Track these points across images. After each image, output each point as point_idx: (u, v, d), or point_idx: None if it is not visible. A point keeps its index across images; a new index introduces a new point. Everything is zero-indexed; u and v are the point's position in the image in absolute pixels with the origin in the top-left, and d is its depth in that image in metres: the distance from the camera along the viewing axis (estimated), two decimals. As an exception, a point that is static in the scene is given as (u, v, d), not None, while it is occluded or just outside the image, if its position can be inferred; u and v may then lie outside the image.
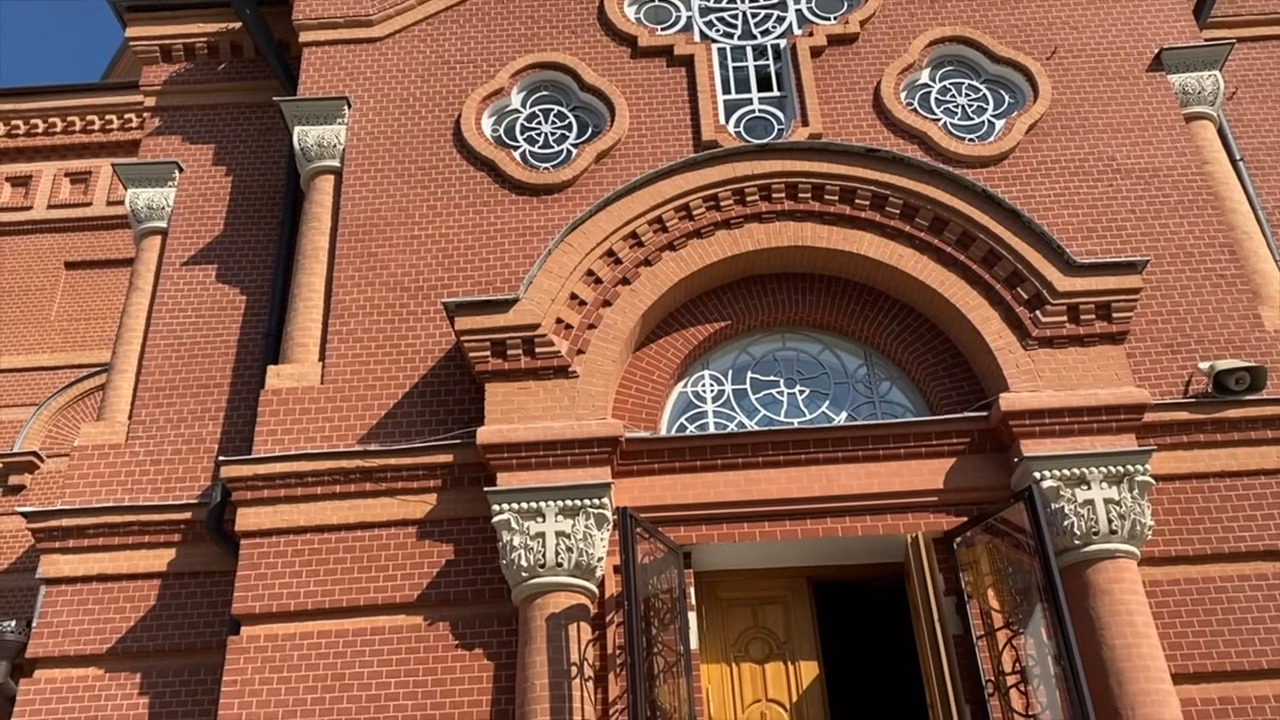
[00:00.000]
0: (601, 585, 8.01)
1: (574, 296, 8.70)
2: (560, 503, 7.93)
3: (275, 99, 10.58)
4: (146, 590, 8.85)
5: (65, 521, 8.95)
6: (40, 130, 17.50)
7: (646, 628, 7.49)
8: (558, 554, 7.76)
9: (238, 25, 11.59)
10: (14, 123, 17.47)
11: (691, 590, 8.24)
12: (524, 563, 7.75)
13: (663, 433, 8.86)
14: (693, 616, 8.14)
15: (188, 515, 8.98)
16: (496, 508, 7.96)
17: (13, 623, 8.91)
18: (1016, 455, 8.20)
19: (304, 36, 10.93)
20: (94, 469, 9.36)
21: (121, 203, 16.47)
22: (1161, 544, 8.21)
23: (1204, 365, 8.81)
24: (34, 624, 8.74)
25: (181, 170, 10.98)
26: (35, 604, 8.91)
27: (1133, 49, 10.68)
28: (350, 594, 8.15)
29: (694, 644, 8.03)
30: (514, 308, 8.53)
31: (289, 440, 8.77)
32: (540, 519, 7.89)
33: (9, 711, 8.59)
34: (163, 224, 10.71)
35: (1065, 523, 7.84)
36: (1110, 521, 7.82)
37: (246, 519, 8.45)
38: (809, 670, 8.39)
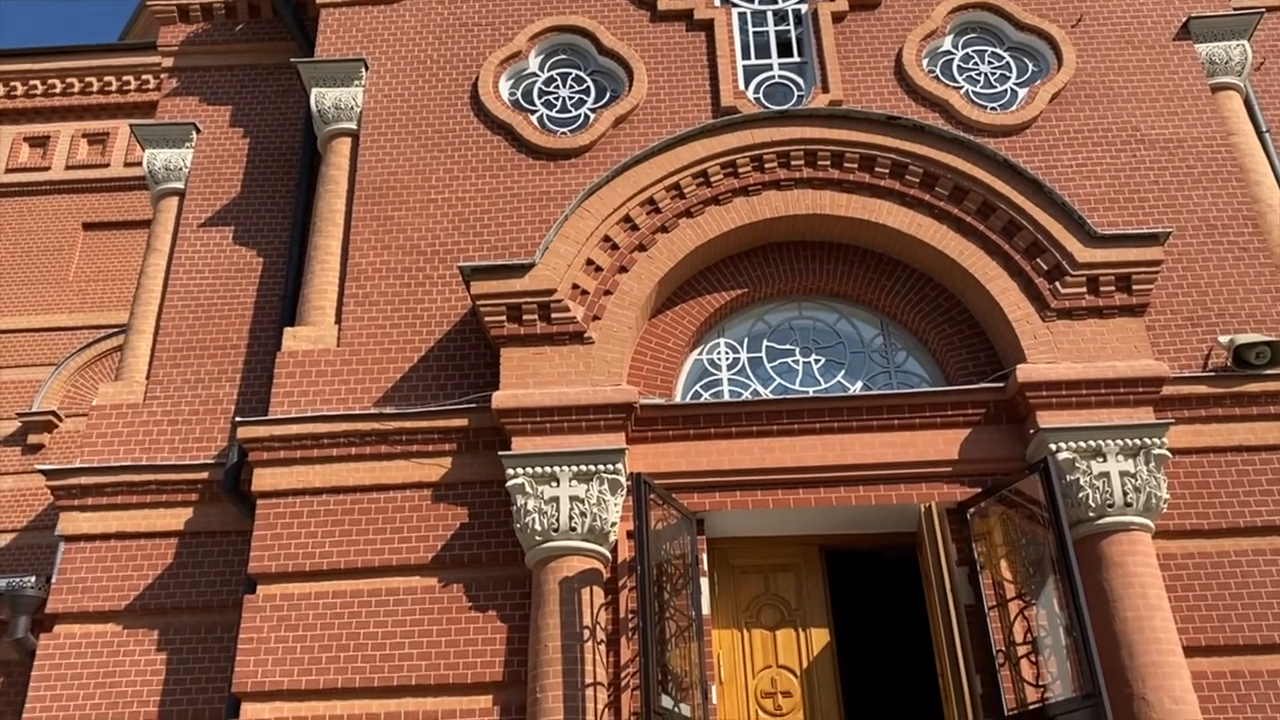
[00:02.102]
0: (614, 550, 8.04)
1: (590, 262, 8.68)
2: (574, 468, 7.96)
3: (293, 60, 10.55)
4: (164, 548, 8.94)
5: (84, 480, 9.03)
6: (58, 91, 17.49)
7: (659, 593, 7.53)
8: (571, 518, 7.79)
9: (255, -15, 11.54)
10: (32, 83, 17.46)
11: (704, 556, 8.27)
12: (538, 526, 7.79)
13: (677, 400, 8.86)
14: (705, 582, 8.17)
15: (205, 475, 9.05)
16: (511, 472, 7.99)
17: (32, 579, 9.01)
18: (1032, 427, 8.18)
19: (321, -3, 10.87)
20: (112, 428, 9.43)
21: (139, 164, 16.46)
22: (1176, 517, 8.19)
23: (1224, 339, 8.74)
24: (53, 580, 8.85)
25: (199, 131, 10.97)
26: (54, 561, 9.00)
27: (1159, 17, 10.52)
28: (365, 555, 8.21)
29: (706, 609, 8.07)
30: (530, 273, 8.51)
31: (305, 402, 8.81)
32: (554, 483, 7.92)
33: (29, 665, 8.71)
34: (180, 185, 10.72)
35: (1080, 495, 7.82)
36: (1125, 494, 7.79)
37: (263, 479, 8.51)
38: (820, 637, 8.43)
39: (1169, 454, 7.99)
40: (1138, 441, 7.94)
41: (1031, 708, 7.54)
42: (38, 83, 17.45)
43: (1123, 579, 7.61)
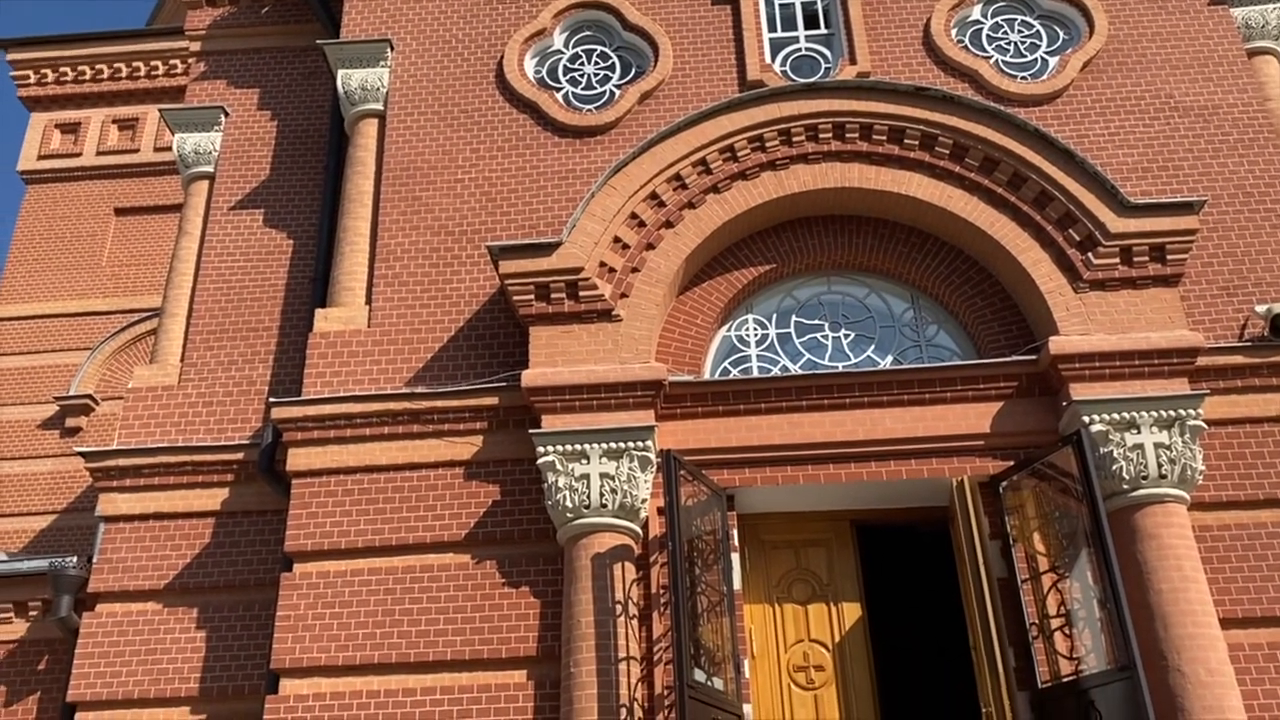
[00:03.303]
0: (645, 526, 8.08)
1: (617, 240, 8.67)
2: (604, 445, 7.99)
3: (318, 42, 10.57)
4: (201, 528, 9.08)
5: (122, 461, 9.17)
6: (88, 77, 17.65)
7: (690, 568, 7.56)
8: (602, 495, 7.83)
9: (280, -32, 11.56)
10: (62, 70, 17.63)
11: (735, 532, 8.29)
12: (569, 503, 7.83)
13: (706, 376, 8.86)
14: (736, 558, 8.20)
15: (240, 455, 9.16)
16: (541, 449, 8.03)
17: (74, 559, 9.17)
18: (1065, 399, 8.11)
19: (346, -22, 10.87)
20: (148, 410, 9.56)
21: (169, 148, 16.62)
22: (1212, 489, 8.11)
23: (1260, 308, 8.62)
24: (94, 560, 9.01)
25: (227, 115, 11.03)
26: (95, 541, 9.17)
27: (1194, -19, 10.32)
28: (399, 533, 8.30)
29: (737, 584, 8.10)
30: (557, 251, 8.52)
31: (337, 382, 8.89)
32: (585, 461, 7.95)
33: (73, 643, 8.89)
34: (210, 169, 10.79)
35: (1114, 467, 7.76)
36: (1160, 466, 7.73)
37: (297, 459, 8.61)
38: (852, 612, 8.44)
39: (1204, 425, 7.90)
40: (1172, 413, 7.86)
41: (1066, 680, 7.52)
42: (68, 69, 17.61)
43: (1157, 551, 7.56)
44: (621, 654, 7.45)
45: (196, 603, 8.83)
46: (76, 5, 45.27)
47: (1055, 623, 7.71)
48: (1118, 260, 8.42)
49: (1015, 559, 8.02)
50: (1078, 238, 8.51)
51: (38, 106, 17.71)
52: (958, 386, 8.37)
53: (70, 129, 17.66)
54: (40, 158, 17.44)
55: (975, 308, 8.92)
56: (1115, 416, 7.89)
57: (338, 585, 8.20)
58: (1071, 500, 7.72)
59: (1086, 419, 7.90)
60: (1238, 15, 10.14)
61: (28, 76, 17.59)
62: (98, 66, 17.63)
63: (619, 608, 7.59)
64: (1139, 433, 7.84)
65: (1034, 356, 8.37)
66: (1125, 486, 7.73)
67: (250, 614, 8.75)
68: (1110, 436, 7.84)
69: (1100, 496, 7.46)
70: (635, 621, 7.70)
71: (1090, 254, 8.45)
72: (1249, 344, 8.48)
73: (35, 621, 9.27)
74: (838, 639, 8.34)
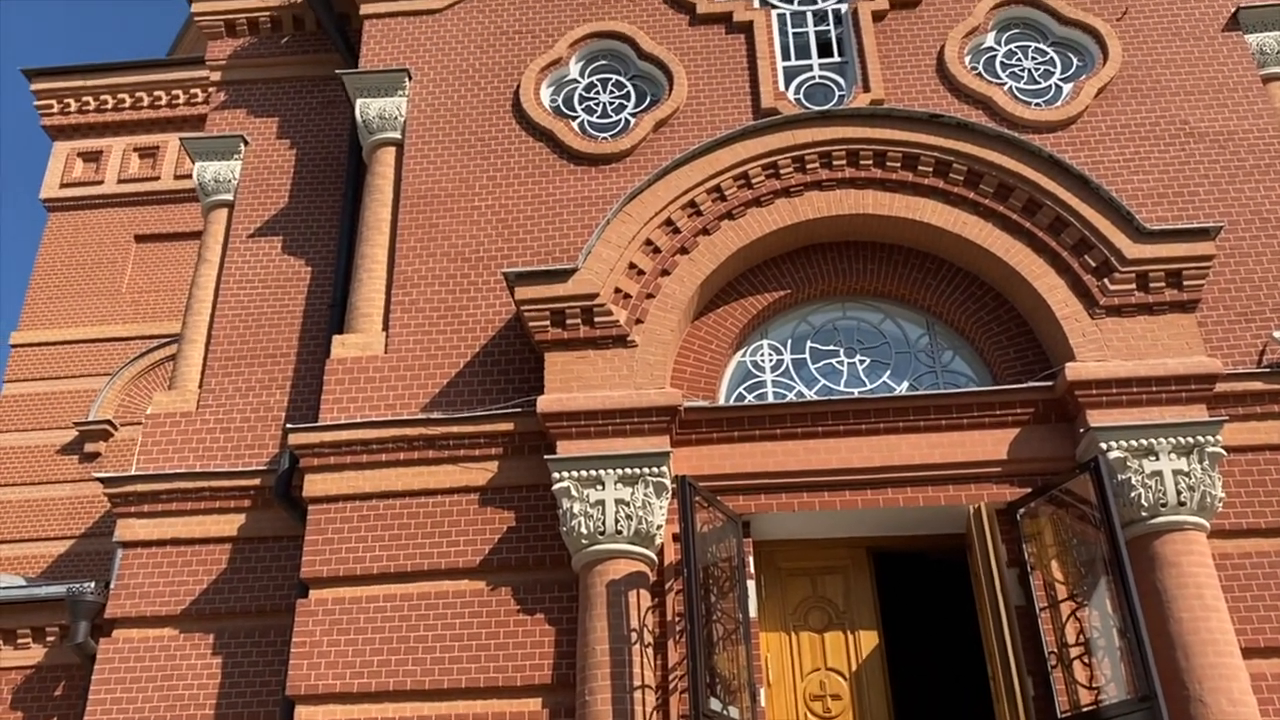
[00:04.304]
0: (661, 553, 8.06)
1: (632, 266, 8.71)
2: (620, 471, 7.99)
3: (337, 72, 10.70)
4: (218, 554, 9.10)
5: (140, 487, 9.22)
6: (109, 106, 17.88)
7: (706, 595, 7.54)
8: (617, 521, 7.82)
9: (300, -1, 11.72)
10: (84, 99, 17.87)
11: (750, 559, 8.26)
12: (584, 530, 7.83)
13: (721, 402, 8.86)
14: (752, 585, 8.16)
15: (257, 481, 9.20)
16: (556, 475, 8.04)
17: (92, 584, 9.20)
18: (1082, 425, 8.08)
19: (365, 9, 11.01)
20: (166, 436, 9.62)
21: (189, 176, 16.79)
22: (1232, 516, 8.04)
23: (1278, 334, 8.58)
24: (112, 585, 9.05)
25: (247, 144, 11.16)
26: (112, 566, 9.20)
27: (1207, 8, 10.35)
28: (415, 559, 8.30)
29: (753, 612, 8.06)
30: (573, 277, 8.56)
31: (354, 408, 8.93)
32: (600, 487, 7.96)
33: (90, 669, 8.91)
34: (229, 197, 10.91)
35: (1132, 494, 7.71)
36: (1179, 493, 7.67)
37: (314, 485, 8.64)
38: (869, 640, 8.38)
39: (1223, 452, 7.85)
40: (1191, 440, 7.82)
41: (1085, 710, 7.44)
42: (90, 99, 17.85)
43: (1177, 579, 7.49)
44: (637, 682, 7.42)
45: (213, 629, 8.85)
46: (98, 35, 45.95)
47: (1074, 652, 7.64)
48: (1134, 286, 8.40)
49: (1033, 587, 7.96)
50: (1093, 264, 8.50)
51: (60, 135, 17.96)
52: (974, 413, 8.35)
53: (92, 157, 17.88)
54: (63, 185, 17.66)
55: (991, 334, 8.90)
56: (1133, 443, 7.84)
57: (353, 612, 8.20)
58: (1089, 527, 7.67)
59: (1104, 445, 7.86)
60: (1252, 42, 10.15)
61: (51, 106, 17.84)
62: (120, 96, 17.86)
63: (634, 635, 7.56)
64: (1157, 459, 7.79)
65: (1050, 383, 8.34)
66: (1144, 514, 7.68)
67: (266, 640, 8.76)
68: (1128, 463, 7.80)
69: (1119, 524, 7.42)
70: (650, 649, 7.67)
71: (1106, 280, 8.43)
72: (1267, 370, 8.44)
73: (53, 647, 9.31)
74: (854, 667, 8.29)
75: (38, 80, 17.79)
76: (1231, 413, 8.26)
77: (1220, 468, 7.93)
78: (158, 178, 17.65)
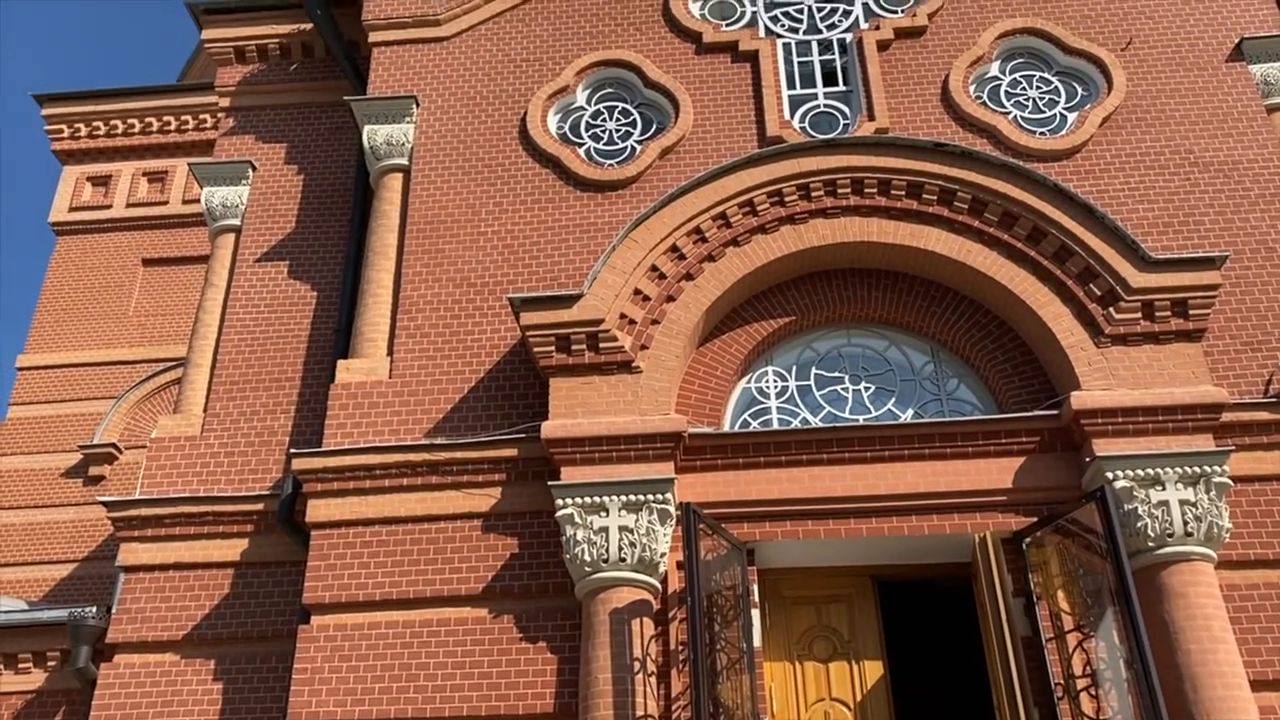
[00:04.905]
0: (664, 581, 8.02)
1: (638, 292, 8.73)
2: (623, 497, 7.96)
3: (345, 98, 10.77)
4: (220, 579, 9.07)
5: (143, 511, 9.21)
6: (119, 131, 18.00)
7: (709, 624, 7.49)
8: (621, 549, 7.79)
9: (309, 26, 11.81)
10: (94, 124, 18.00)
11: (755, 587, 8.22)
12: (587, 557, 7.80)
13: (726, 428, 8.84)
14: (756, 614, 8.12)
15: (260, 506, 9.18)
16: (560, 502, 8.02)
17: (94, 608, 9.17)
18: (1088, 455, 8.05)
19: (373, 36, 11.10)
20: (170, 460, 9.62)
21: (197, 201, 16.89)
22: (1240, 547, 7.99)
23: (1286, 364, 8.55)
24: (114, 610, 9.01)
25: (255, 169, 11.22)
26: (114, 591, 9.18)
27: (1211, 39, 10.40)
28: (417, 585, 8.27)
29: (757, 641, 8.01)
30: (578, 303, 8.58)
31: (358, 433, 8.92)
32: (603, 513, 7.93)
33: (90, 694, 8.87)
34: (237, 221, 10.96)
35: (1139, 524, 7.67)
36: (1186, 523, 7.63)
37: (317, 510, 8.62)
38: (874, 670, 8.32)
39: (1230, 482, 7.81)
40: (1197, 469, 7.78)
41: (1092, 743, 7.37)
42: (100, 124, 17.98)
43: (1185, 610, 7.44)
44: (640, 712, 7.36)
45: (214, 654, 8.80)
46: (109, 60, 46.36)
47: (1081, 683, 7.58)
48: (1140, 315, 8.39)
49: (1039, 617, 7.90)
50: (1099, 292, 8.50)
51: (70, 160, 18.08)
52: (979, 441, 8.32)
53: (101, 181, 17.98)
54: (71, 209, 17.76)
55: (996, 362, 8.89)
56: (1139, 473, 7.81)
57: (355, 638, 8.16)
58: (1096, 557, 7.62)
59: (1110, 475, 7.83)
60: (1256, 72, 10.19)
61: (62, 130, 17.97)
62: (129, 121, 17.99)
63: (637, 664, 7.51)
64: (1164, 489, 7.75)
65: (1056, 411, 8.32)
66: (1151, 544, 7.63)
67: (268, 666, 8.71)
68: (1135, 493, 7.76)
69: (1125, 554, 7.36)
70: (654, 679, 7.61)
71: (1112, 309, 8.42)
72: (1274, 400, 8.41)
73: (54, 672, 9.26)
74: (859, 698, 8.22)
75: (49, 105, 17.94)
76: (1238, 442, 8.22)
77: (1227, 498, 7.89)
78: (166, 202, 17.74)
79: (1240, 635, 7.67)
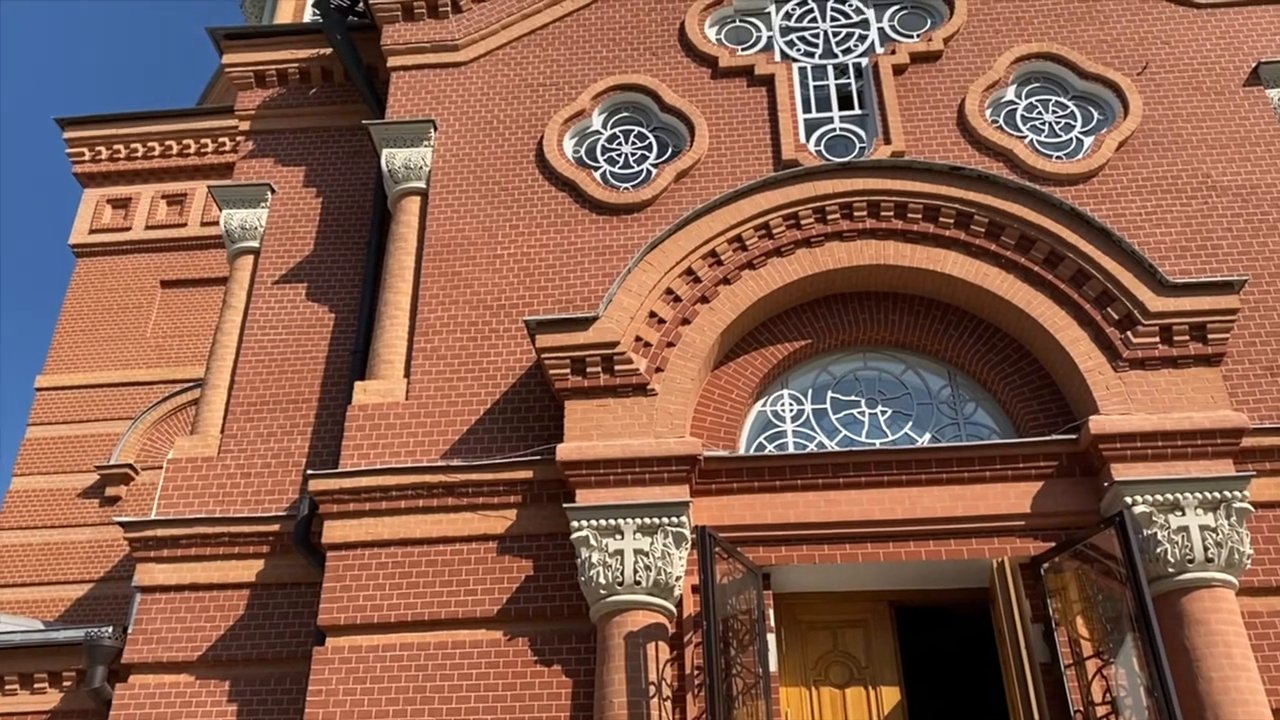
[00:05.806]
0: (680, 604, 7.98)
1: (653, 315, 8.74)
2: (639, 520, 7.95)
3: (364, 122, 10.86)
4: (236, 600, 9.08)
5: (160, 531, 9.24)
6: (139, 154, 18.19)
7: (725, 649, 7.45)
8: (636, 572, 7.77)
9: (328, 51, 11.93)
10: (115, 147, 18.19)
11: (771, 612, 8.17)
12: (602, 580, 7.77)
13: (741, 452, 8.82)
14: (772, 638, 8.07)
15: (276, 527, 9.20)
16: (575, 524, 8.01)
17: (110, 629, 9.19)
18: (1107, 479, 7.99)
19: (392, 61, 11.21)
20: (187, 481, 9.65)
21: (216, 223, 16.98)
22: (1261, 574, 7.91)
23: (1306, 388, 8.49)
24: (129, 630, 9.03)
25: (274, 192, 11.31)
26: (130, 611, 9.19)
27: (1229, 63, 10.40)
28: (432, 607, 8.26)
29: (773, 666, 7.96)
30: (594, 326, 8.59)
31: (374, 455, 8.94)
32: (619, 536, 7.91)
33: (106, 715, 8.87)
34: (255, 244, 11.04)
35: (1158, 550, 7.60)
36: (1206, 549, 7.56)
37: (333, 532, 8.63)
38: (890, 696, 8.25)
39: (1251, 508, 7.74)
40: (1218, 495, 7.72)
41: (1113, 771, 7.28)
42: (120, 146, 18.17)
43: (1205, 637, 7.36)
44: (655, 736, 7.32)
45: (229, 675, 8.80)
46: (130, 84, 46.91)
47: (1100, 710, 7.50)
48: (1158, 339, 8.35)
49: (1058, 643, 7.83)
50: (1116, 316, 8.47)
51: (91, 182, 18.26)
52: (997, 465, 8.28)
53: (121, 204, 18.15)
54: (91, 231, 17.92)
55: (1013, 385, 8.85)
56: (1159, 498, 7.75)
57: (370, 660, 8.15)
58: (1115, 583, 7.55)
59: (1129, 500, 7.77)
60: (1273, 96, 10.18)
61: (83, 153, 18.17)
62: (150, 144, 18.17)
63: (652, 689, 7.47)
64: (1183, 515, 7.69)
65: (1074, 436, 8.27)
66: (1171, 570, 7.57)
67: (282, 688, 8.70)
68: (1154, 518, 7.70)
69: (1145, 580, 7.29)
70: (669, 703, 7.57)
71: (1129, 333, 8.39)
72: (1295, 425, 8.34)
73: (69, 692, 9.28)
74: (876, 724, 8.15)
75: (70, 128, 18.15)
76: (1259, 468, 8.15)
77: (1248, 524, 7.82)
78: (185, 224, 17.88)
79: (1262, 663, 7.58)
